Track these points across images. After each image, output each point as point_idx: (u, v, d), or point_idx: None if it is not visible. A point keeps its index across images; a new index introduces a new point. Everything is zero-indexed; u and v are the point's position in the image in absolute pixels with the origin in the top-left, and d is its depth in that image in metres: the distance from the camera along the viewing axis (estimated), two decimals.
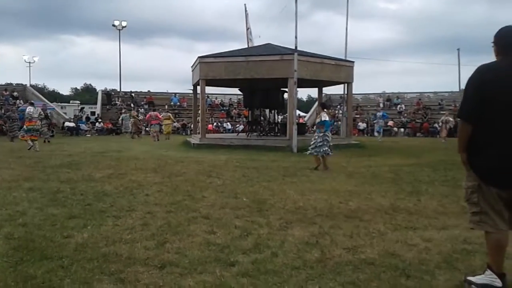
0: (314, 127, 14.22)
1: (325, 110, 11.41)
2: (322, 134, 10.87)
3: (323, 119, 10.99)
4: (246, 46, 22.55)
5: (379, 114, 27.83)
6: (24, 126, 16.67)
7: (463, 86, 23.40)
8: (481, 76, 3.37)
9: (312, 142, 11.07)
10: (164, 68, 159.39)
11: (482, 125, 3.36)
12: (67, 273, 3.70)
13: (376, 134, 26.37)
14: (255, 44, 22.34)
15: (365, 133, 31.86)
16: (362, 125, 32.75)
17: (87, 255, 4.15)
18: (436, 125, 29.87)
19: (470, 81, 3.42)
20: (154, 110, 25.94)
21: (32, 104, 17.32)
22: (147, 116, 27.23)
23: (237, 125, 32.36)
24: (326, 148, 10.80)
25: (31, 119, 16.27)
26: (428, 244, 4.58)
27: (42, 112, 17.04)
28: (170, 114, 27.02)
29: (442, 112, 29.90)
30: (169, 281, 3.54)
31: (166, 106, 35.24)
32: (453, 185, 8.45)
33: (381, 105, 35.53)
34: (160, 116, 25.23)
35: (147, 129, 26.32)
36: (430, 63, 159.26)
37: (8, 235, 4.78)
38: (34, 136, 16.04)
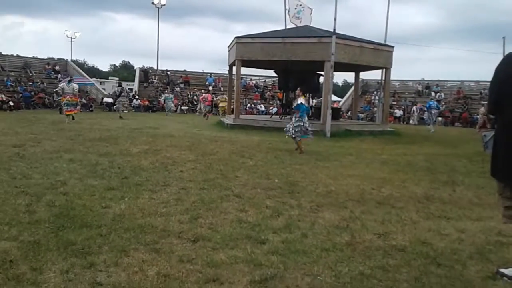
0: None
1: (305, 95, 11.25)
2: (297, 119, 10.78)
3: (299, 102, 10.90)
4: (284, 28, 22.25)
5: (433, 104, 23.86)
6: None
7: None
8: (503, 70, 3.26)
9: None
10: (200, 47, 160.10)
11: (502, 123, 3.29)
12: (105, 241, 3.88)
13: (428, 124, 23.04)
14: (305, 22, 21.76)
15: (401, 120, 31.17)
16: (398, 112, 32.00)
17: (124, 225, 4.33)
18: (476, 115, 28.91)
19: (493, 75, 3.33)
20: (208, 92, 27.60)
21: (70, 81, 18.22)
22: (201, 98, 29.30)
23: (271, 108, 32.28)
24: (295, 131, 10.67)
25: (63, 94, 17.31)
26: (461, 234, 4.52)
27: (76, 88, 17.81)
28: (226, 97, 27.79)
29: (483, 102, 28.88)
30: (201, 254, 3.65)
31: (222, 89, 35.36)
32: (490, 177, 8.20)
33: (433, 94, 33.61)
34: (211, 98, 27.63)
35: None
36: (473, 50, 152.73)
37: (50, 203, 5.04)
38: (69, 110, 16.86)
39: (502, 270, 3.42)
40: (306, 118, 11.04)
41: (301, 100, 10.95)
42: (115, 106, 24.68)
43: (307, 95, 21.19)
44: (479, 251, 4.01)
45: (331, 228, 4.59)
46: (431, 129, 21.96)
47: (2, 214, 4.51)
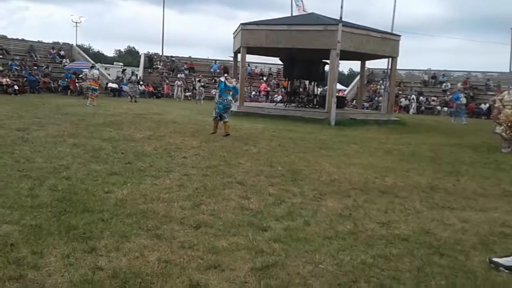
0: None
1: (225, 75, 11.32)
2: (229, 101, 10.94)
3: (234, 84, 11.06)
4: (289, 15, 22.04)
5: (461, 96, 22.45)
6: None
7: None
8: None
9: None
10: (204, 34, 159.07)
11: None
12: (107, 226, 3.87)
13: (453, 118, 21.66)
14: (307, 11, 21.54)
15: (406, 110, 30.96)
16: (404, 102, 31.80)
17: (126, 210, 4.32)
18: (482, 105, 28.70)
19: None
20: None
21: (92, 67, 21.24)
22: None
23: (275, 96, 32.11)
24: (225, 111, 10.78)
25: (85, 79, 20.31)
26: (465, 224, 4.49)
27: (96, 73, 20.43)
28: None
29: (489, 93, 28.64)
30: (203, 241, 3.64)
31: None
32: (495, 167, 8.18)
33: (459, 85, 30.69)
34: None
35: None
36: (480, 41, 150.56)
37: (53, 187, 5.03)
38: (92, 94, 19.10)
39: (495, 259, 3.43)
40: (229, 98, 11.03)
41: (222, 79, 10.98)
42: (130, 91, 26.41)
43: (313, 83, 21.13)
44: (483, 242, 3.99)
45: (334, 216, 4.57)
46: (453, 121, 21.10)
47: (4, 197, 4.51)
